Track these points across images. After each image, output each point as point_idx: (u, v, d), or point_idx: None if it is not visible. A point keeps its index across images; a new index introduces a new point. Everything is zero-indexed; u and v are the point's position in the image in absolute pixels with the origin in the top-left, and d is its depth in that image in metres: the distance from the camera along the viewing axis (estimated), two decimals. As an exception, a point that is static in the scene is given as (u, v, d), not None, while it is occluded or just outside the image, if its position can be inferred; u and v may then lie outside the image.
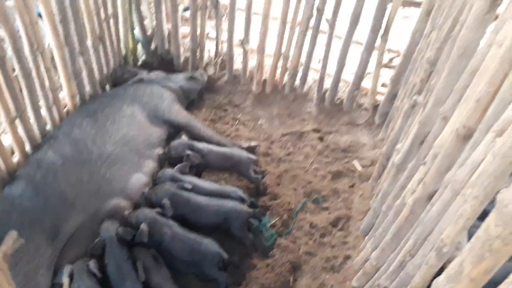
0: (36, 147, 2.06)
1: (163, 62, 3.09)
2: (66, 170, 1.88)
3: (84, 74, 2.44)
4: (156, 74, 2.78)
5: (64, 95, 2.36)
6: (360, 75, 2.72)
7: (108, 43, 2.64)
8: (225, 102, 2.91)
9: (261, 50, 2.80)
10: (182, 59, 3.09)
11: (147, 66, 3.03)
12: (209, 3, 2.81)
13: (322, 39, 2.70)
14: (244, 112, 2.84)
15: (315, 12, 2.57)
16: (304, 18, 2.59)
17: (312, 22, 2.62)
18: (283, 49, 2.79)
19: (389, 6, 2.42)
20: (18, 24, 1.89)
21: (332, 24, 2.57)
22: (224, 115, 2.80)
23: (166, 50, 3.09)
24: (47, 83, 2.11)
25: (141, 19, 2.94)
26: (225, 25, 2.95)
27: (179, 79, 2.77)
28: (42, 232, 1.72)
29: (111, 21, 2.66)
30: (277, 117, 2.81)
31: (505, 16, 1.05)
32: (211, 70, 3.05)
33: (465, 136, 1.11)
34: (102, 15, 2.52)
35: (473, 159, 1.01)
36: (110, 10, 2.61)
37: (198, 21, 2.88)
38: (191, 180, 2.05)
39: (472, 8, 1.22)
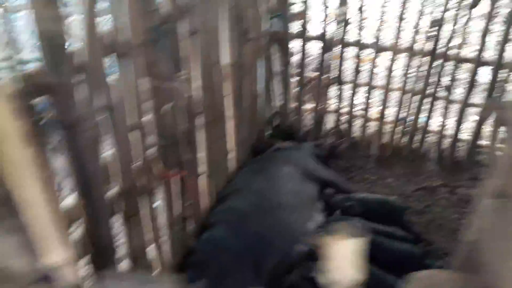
0: (221, 199, 2.38)
1: (285, 135, 3.49)
2: (256, 215, 2.16)
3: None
4: (288, 144, 3.16)
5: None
6: (477, 134, 2.97)
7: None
8: (348, 166, 3.19)
9: (381, 117, 3.17)
10: (302, 132, 3.49)
11: (272, 139, 3.43)
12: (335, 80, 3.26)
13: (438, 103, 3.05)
14: (370, 173, 3.10)
15: (432, 81, 2.95)
16: (423, 86, 2.97)
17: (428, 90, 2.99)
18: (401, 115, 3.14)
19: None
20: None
21: (449, 90, 2.92)
22: (353, 175, 3.06)
23: (288, 125, 3.51)
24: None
25: (269, 99, 3.43)
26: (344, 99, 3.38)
27: (309, 147, 3.12)
28: (248, 268, 1.94)
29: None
30: (403, 176, 3.05)
31: None
32: (330, 139, 3.41)
33: None
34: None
35: None
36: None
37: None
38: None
39: None
